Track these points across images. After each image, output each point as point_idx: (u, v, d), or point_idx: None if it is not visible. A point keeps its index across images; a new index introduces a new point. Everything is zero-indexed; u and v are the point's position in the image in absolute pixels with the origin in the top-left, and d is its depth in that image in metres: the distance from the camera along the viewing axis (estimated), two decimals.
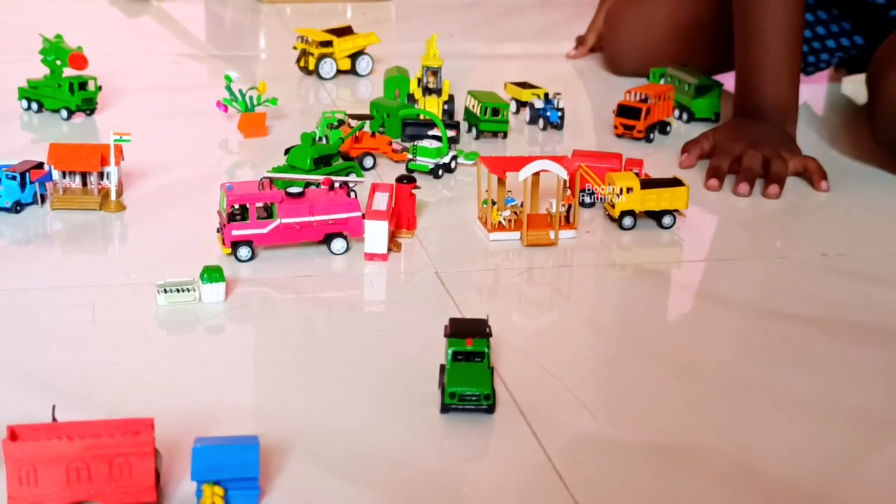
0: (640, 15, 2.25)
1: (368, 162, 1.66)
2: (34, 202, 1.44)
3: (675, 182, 1.48)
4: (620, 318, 1.27)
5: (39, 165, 1.44)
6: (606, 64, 2.35)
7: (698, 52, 2.18)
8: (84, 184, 1.45)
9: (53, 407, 0.86)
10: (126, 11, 2.83)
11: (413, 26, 2.85)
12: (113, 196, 1.44)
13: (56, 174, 1.44)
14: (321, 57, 2.16)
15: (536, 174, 1.41)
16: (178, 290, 1.18)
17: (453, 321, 1.05)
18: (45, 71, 1.85)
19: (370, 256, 1.33)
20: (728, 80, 2.05)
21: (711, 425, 1.02)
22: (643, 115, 1.84)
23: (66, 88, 1.81)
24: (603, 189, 1.46)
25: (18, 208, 1.41)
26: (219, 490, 0.84)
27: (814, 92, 2.23)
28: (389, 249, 1.34)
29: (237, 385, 1.06)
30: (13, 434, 0.80)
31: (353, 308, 1.25)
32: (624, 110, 1.87)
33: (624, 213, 1.46)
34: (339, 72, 2.19)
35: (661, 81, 2.06)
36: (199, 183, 1.58)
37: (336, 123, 1.65)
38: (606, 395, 1.07)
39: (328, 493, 0.89)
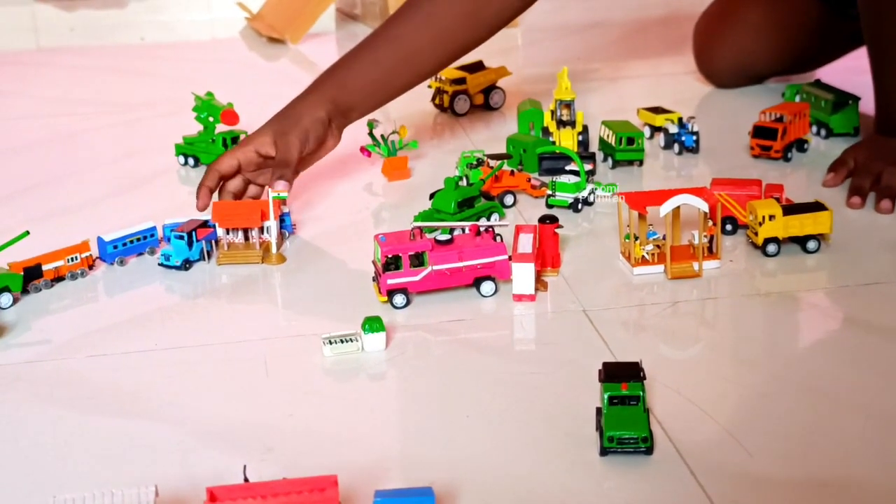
0: (733, 25, 2.26)
1: (509, 200, 1.71)
2: (201, 258, 1.53)
3: (817, 206, 1.49)
4: (768, 349, 1.28)
5: (205, 224, 1.53)
6: (706, 79, 2.36)
7: (796, 53, 2.19)
8: (246, 238, 1.54)
9: (245, 467, 0.93)
10: (264, 56, 2.96)
11: (540, 51, 2.90)
12: (274, 249, 1.52)
13: (220, 231, 1.53)
14: (455, 94, 2.22)
15: (677, 206, 1.44)
16: (342, 341, 1.25)
17: (606, 365, 1.09)
18: (199, 127, 1.96)
19: (518, 297, 1.38)
20: (827, 76, 2.04)
21: (871, 459, 1.03)
22: (780, 134, 1.85)
23: (219, 143, 1.92)
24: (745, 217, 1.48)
25: (187, 266, 1.51)
26: None
27: None
28: (537, 289, 1.39)
29: (404, 433, 1.12)
30: (212, 496, 0.88)
31: (505, 350, 1.29)
32: (760, 131, 1.87)
33: (767, 241, 1.48)
34: (472, 106, 2.25)
35: (797, 99, 2.05)
36: (352, 229, 1.65)
37: (475, 163, 1.71)
38: (761, 431, 1.09)
39: None
